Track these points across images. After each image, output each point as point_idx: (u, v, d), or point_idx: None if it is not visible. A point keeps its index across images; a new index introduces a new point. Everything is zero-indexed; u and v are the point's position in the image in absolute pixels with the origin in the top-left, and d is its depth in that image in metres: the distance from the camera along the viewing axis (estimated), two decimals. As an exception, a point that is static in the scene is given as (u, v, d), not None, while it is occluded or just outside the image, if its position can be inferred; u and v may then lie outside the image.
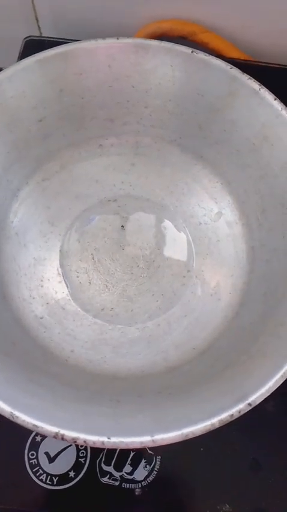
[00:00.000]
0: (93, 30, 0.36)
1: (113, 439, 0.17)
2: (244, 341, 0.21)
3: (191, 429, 0.17)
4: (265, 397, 0.18)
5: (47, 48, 0.34)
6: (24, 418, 0.17)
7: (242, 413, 0.17)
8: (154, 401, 0.19)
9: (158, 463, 0.25)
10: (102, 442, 0.17)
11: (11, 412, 0.17)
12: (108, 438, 0.17)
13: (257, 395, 0.17)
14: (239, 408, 0.17)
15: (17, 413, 0.17)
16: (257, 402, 0.17)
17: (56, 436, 0.17)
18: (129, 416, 0.18)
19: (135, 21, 0.34)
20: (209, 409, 0.17)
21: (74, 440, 0.17)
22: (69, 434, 0.17)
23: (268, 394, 0.18)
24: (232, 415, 0.17)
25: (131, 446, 0.17)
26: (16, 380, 0.19)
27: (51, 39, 0.34)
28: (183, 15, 0.34)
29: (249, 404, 0.17)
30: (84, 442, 0.17)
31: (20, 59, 0.33)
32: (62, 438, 0.17)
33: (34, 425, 0.17)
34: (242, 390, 0.18)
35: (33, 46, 0.34)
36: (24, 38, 0.34)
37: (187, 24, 0.34)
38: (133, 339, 0.24)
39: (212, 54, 0.34)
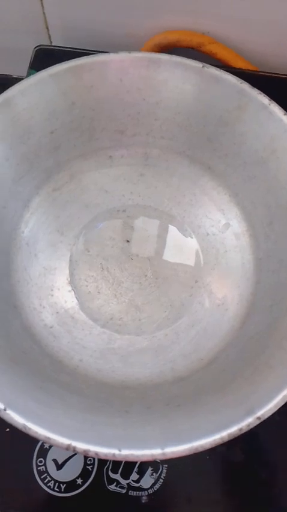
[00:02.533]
0: (103, 40, 0.36)
1: (124, 452, 0.17)
2: (250, 352, 0.22)
3: (201, 442, 0.17)
4: (273, 411, 0.18)
5: (56, 57, 0.34)
6: (37, 430, 0.17)
7: (251, 427, 0.17)
8: (163, 412, 0.20)
9: (164, 471, 0.25)
10: (113, 454, 0.17)
11: (24, 424, 0.17)
12: (119, 450, 0.17)
13: (266, 410, 0.18)
14: (248, 422, 0.17)
15: (29, 425, 0.17)
16: (266, 416, 0.18)
17: (68, 448, 0.17)
18: (139, 428, 0.18)
19: (143, 31, 0.35)
20: (217, 422, 0.18)
21: (86, 452, 0.17)
22: (81, 446, 0.17)
23: (276, 409, 0.18)
24: (241, 428, 0.17)
25: (141, 459, 0.17)
26: (27, 389, 0.19)
27: (61, 48, 0.35)
28: (191, 26, 0.34)
29: (258, 418, 0.17)
30: (96, 454, 0.17)
31: (31, 68, 0.34)
32: (74, 450, 0.17)
33: (47, 437, 0.17)
34: (250, 403, 0.18)
35: (43, 55, 0.34)
36: (35, 47, 0.34)
37: (195, 35, 0.34)
38: (141, 348, 0.24)
39: (219, 64, 0.34)
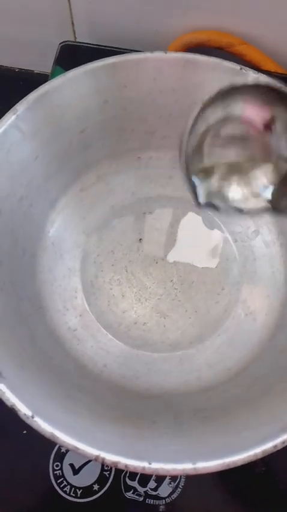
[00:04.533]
0: (128, 37, 0.35)
1: (154, 465, 0.16)
2: (281, 366, 0.21)
3: (233, 459, 0.17)
4: (309, 429, 0.17)
5: (82, 54, 0.33)
6: (65, 439, 0.17)
7: (285, 444, 0.17)
8: (191, 424, 0.19)
9: (183, 480, 0.25)
10: (143, 468, 0.16)
11: (52, 433, 0.17)
12: (149, 464, 0.16)
13: (302, 427, 0.17)
14: (283, 439, 0.17)
15: (58, 433, 0.17)
16: (302, 434, 0.17)
17: (96, 459, 0.16)
18: (168, 441, 0.18)
19: (171, 30, 0.34)
20: (251, 438, 0.17)
21: (115, 464, 0.16)
22: (110, 458, 0.16)
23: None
24: (276, 445, 0.17)
25: (172, 473, 0.16)
26: (55, 397, 0.18)
27: (87, 45, 0.34)
28: (219, 26, 0.33)
29: (293, 435, 0.17)
30: (125, 466, 0.16)
31: (56, 64, 0.33)
32: (103, 462, 0.16)
33: (75, 447, 0.17)
34: (284, 420, 0.17)
35: (68, 51, 0.33)
36: (60, 43, 0.34)
37: (225, 35, 0.33)
38: (165, 355, 0.24)
39: (248, 66, 0.34)
